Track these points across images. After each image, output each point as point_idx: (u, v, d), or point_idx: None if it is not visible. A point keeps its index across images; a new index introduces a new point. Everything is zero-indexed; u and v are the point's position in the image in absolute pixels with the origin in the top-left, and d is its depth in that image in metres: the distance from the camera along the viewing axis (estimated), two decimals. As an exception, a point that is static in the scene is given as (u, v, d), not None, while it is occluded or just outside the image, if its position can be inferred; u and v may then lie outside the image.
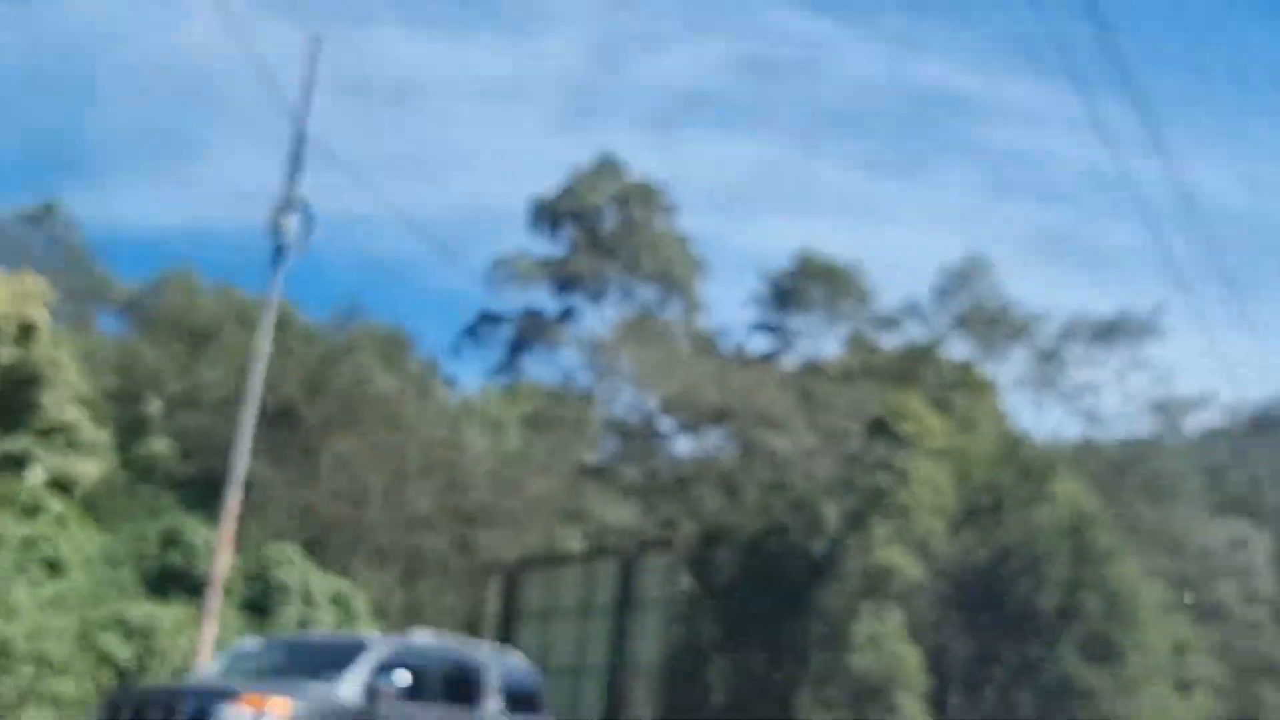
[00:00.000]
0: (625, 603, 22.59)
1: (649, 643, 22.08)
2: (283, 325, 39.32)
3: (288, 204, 14.34)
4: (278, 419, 33.66)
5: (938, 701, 47.38)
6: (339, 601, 27.59)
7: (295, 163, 14.32)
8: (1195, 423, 79.89)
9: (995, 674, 45.80)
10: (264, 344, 14.86)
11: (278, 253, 14.48)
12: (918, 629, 47.38)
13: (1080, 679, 44.20)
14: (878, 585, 42.28)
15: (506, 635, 24.84)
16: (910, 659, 40.64)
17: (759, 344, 57.62)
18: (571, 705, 22.72)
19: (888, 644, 40.50)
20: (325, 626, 27.10)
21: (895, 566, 40.67)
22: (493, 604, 25.52)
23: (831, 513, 41.58)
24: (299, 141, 14.50)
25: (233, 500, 14.65)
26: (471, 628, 26.38)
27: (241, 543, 30.04)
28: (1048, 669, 44.46)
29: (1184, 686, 61.30)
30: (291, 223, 14.22)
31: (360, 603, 27.92)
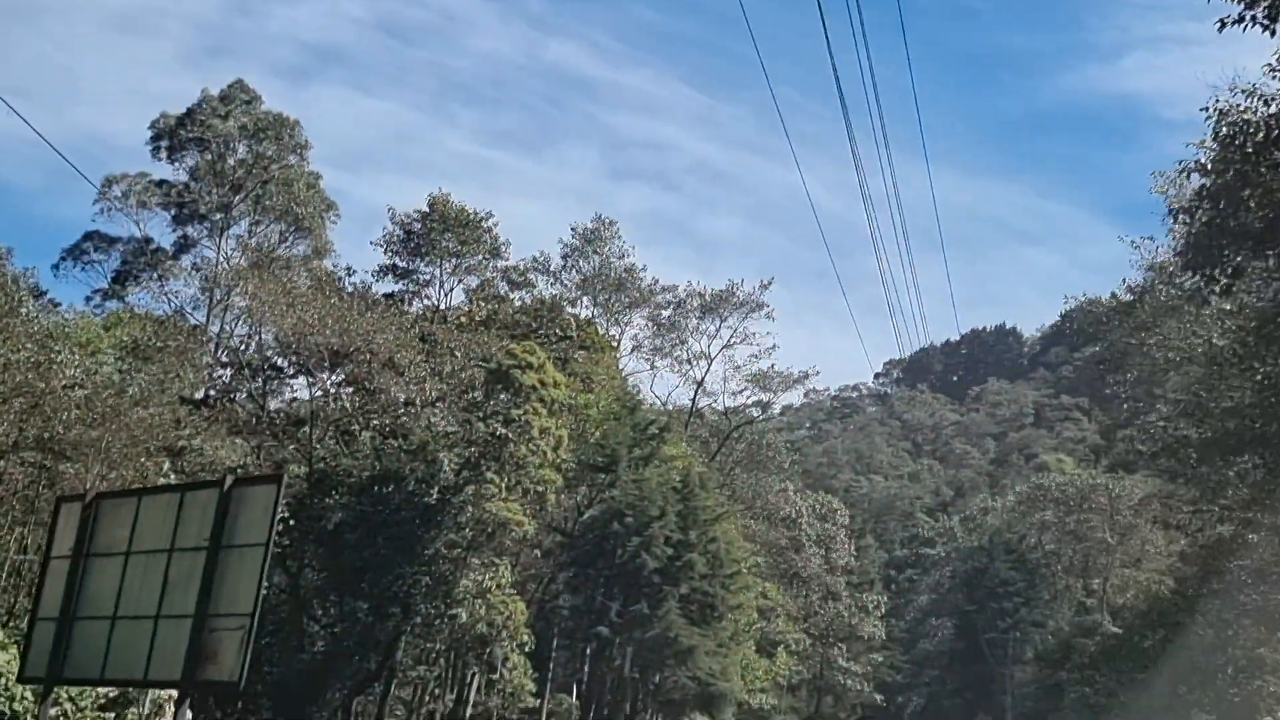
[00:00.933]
0: (219, 542, 20.39)
1: (243, 587, 19.98)
2: None
3: None
4: None
5: (541, 656, 47.35)
6: None
7: None
8: (788, 399, 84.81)
9: (600, 631, 46.19)
10: None
11: None
12: (526, 583, 47.16)
13: (682, 638, 45.25)
14: (489, 537, 41.56)
15: (77, 577, 22.12)
16: (517, 613, 40.14)
17: (385, 288, 55.66)
18: (147, 659, 20.37)
19: (495, 597, 39.80)
20: None
21: (508, 519, 39.92)
22: (63, 540, 22.58)
23: (448, 462, 40.35)
24: None
25: None
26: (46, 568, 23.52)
27: None
28: (652, 627, 45.25)
29: (768, 647, 64.53)
30: None
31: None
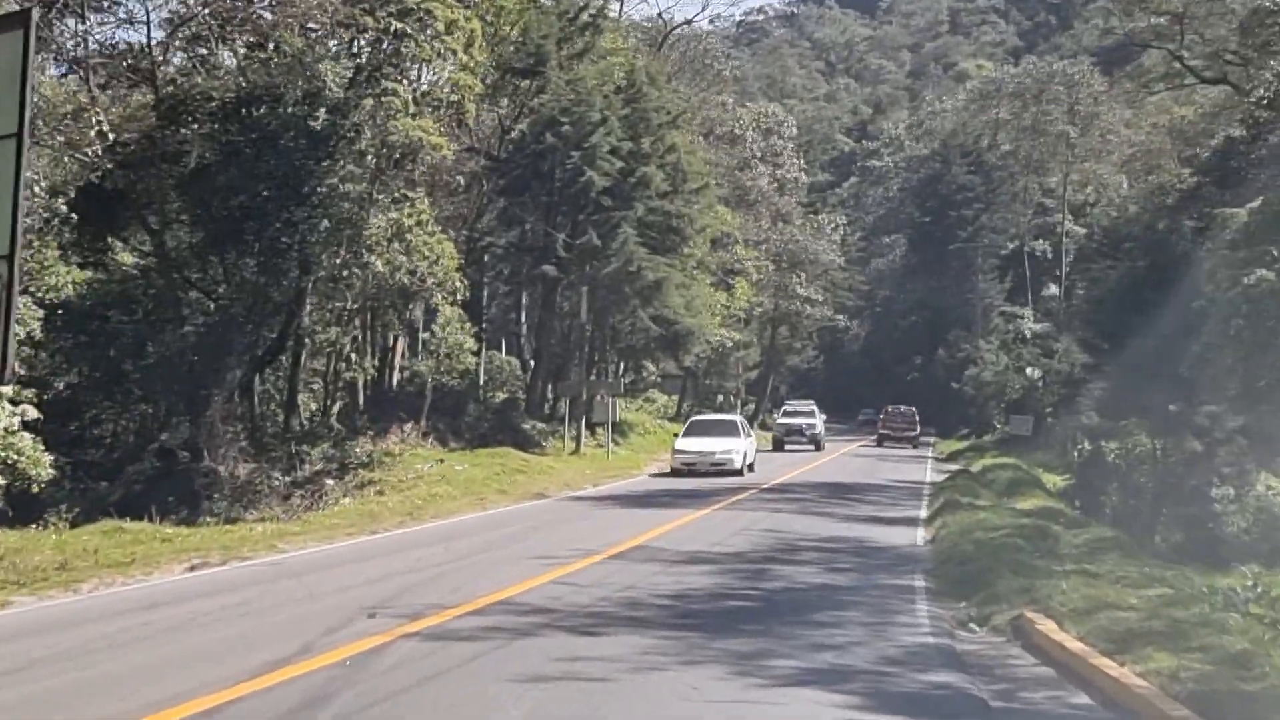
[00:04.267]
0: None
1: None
2: None
3: None
4: None
5: (474, 310, 40.04)
6: None
7: None
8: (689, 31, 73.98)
9: (546, 270, 38.45)
10: None
11: None
12: (448, 226, 38.96)
13: (646, 269, 37.60)
14: (398, 165, 33.12)
15: None
16: (445, 255, 32.19)
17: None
18: None
19: (415, 237, 31.72)
20: None
21: (420, 138, 31.33)
22: None
23: (331, 74, 31.27)
24: None
25: None
26: None
27: None
28: (608, 261, 37.47)
29: (726, 278, 57.85)
30: None
31: None
